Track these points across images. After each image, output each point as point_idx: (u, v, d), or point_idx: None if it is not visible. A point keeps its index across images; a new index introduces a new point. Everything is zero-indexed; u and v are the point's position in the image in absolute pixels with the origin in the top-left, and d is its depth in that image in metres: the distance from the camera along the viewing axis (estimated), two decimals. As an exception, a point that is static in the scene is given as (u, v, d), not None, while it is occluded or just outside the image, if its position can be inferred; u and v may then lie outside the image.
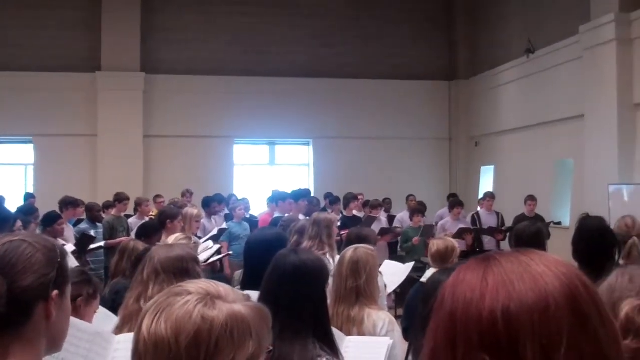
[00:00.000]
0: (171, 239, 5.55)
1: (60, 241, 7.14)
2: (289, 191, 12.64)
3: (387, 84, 17.49)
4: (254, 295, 2.84)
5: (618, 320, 1.81)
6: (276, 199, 12.06)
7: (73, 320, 2.30)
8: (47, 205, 10.68)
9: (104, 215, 11.13)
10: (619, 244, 4.37)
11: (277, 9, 17.30)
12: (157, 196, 13.09)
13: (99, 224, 10.57)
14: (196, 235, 8.28)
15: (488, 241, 11.87)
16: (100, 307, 3.67)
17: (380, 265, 4.74)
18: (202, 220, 9.85)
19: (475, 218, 12.39)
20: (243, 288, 3.94)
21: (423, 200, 14.06)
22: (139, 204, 11.61)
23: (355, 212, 12.42)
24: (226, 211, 12.47)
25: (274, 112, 16.93)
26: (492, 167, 16.87)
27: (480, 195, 14.13)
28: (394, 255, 11.60)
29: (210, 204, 11.82)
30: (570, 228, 10.26)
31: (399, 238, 11.98)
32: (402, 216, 12.99)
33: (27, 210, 10.29)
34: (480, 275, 1.09)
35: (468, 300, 1.07)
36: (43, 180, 16.19)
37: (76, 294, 3.20)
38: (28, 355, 1.69)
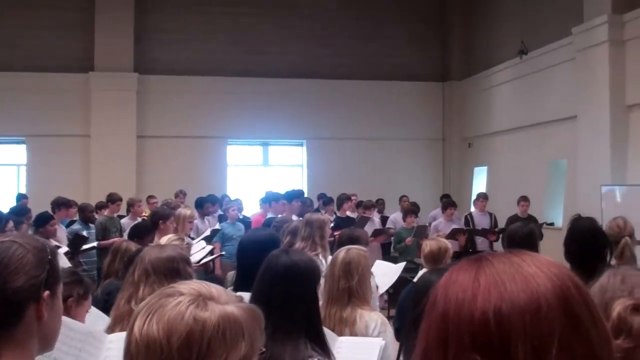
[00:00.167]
0: (164, 240, 5.54)
1: (53, 242, 7.12)
2: (282, 192, 12.64)
3: (381, 85, 17.51)
4: (247, 296, 2.84)
5: (610, 320, 1.81)
6: (269, 200, 12.07)
7: (65, 319, 2.30)
8: (39, 205, 10.66)
9: (96, 216, 11.11)
10: (611, 244, 4.38)
11: (270, 10, 17.29)
12: (150, 197, 13.08)
13: (91, 225, 10.55)
14: (189, 236, 8.27)
15: (481, 242, 11.89)
16: (92, 308, 3.66)
17: (372, 265, 4.74)
18: (195, 221, 9.84)
19: (469, 219, 12.41)
20: (236, 289, 3.94)
21: (416, 200, 14.08)
22: (131, 205, 11.59)
23: (348, 213, 12.44)
24: (220, 212, 12.47)
25: (268, 113, 16.93)
26: (485, 168, 16.90)
27: (474, 196, 14.15)
28: (387, 256, 11.61)
29: (204, 205, 11.81)
30: (562, 229, 10.27)
31: (392, 239, 11.99)
32: (395, 217, 13.00)
33: (20, 211, 10.28)
34: (472, 275, 1.09)
35: (460, 300, 1.06)
36: (35, 180, 16.15)
37: (67, 295, 3.19)
38: (20, 357, 1.68)
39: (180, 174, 15.95)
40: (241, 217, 11.90)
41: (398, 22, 17.83)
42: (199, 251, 7.40)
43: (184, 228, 7.79)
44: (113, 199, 11.28)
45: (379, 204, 14.39)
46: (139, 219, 10.51)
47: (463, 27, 17.96)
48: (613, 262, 4.35)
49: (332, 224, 9.49)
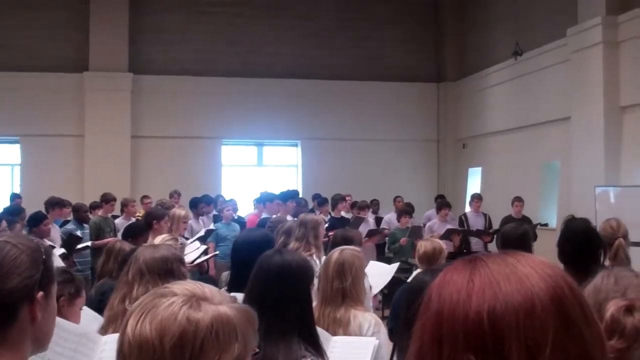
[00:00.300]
0: (157, 240, 5.55)
1: (47, 242, 7.11)
2: (277, 192, 12.63)
3: (375, 86, 17.51)
4: (241, 297, 2.84)
5: (603, 321, 1.82)
6: (264, 200, 12.05)
7: (59, 320, 2.29)
8: (33, 205, 10.62)
9: (90, 216, 11.09)
10: (604, 245, 4.38)
11: (265, 10, 17.29)
12: (144, 197, 13.08)
13: (85, 225, 10.53)
14: (183, 236, 8.27)
15: (475, 242, 11.91)
16: (87, 308, 3.65)
17: (365, 266, 4.74)
18: (190, 221, 9.84)
19: (463, 219, 12.43)
20: (230, 289, 3.93)
21: (411, 201, 14.09)
22: (124, 205, 11.57)
23: (343, 213, 12.45)
24: (215, 212, 12.46)
25: (262, 113, 16.92)
26: (479, 169, 16.92)
27: (468, 197, 14.16)
28: (381, 257, 11.63)
29: (198, 205, 11.79)
30: (556, 230, 10.29)
31: (387, 239, 12.00)
32: (390, 217, 13.02)
33: (14, 211, 10.26)
34: (466, 276, 1.09)
35: (454, 300, 1.07)
36: (30, 180, 16.11)
37: (59, 294, 3.17)
38: (14, 357, 1.68)
39: (175, 174, 15.94)
40: (236, 217, 11.89)
41: (393, 22, 17.84)
42: (192, 251, 7.40)
43: (178, 228, 7.79)
44: (107, 199, 11.25)
45: (374, 205, 14.41)
46: (133, 219, 10.50)
47: (457, 28, 17.98)
48: (607, 262, 4.36)
49: (326, 225, 9.50)
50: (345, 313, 3.81)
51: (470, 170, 17.35)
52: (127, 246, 5.52)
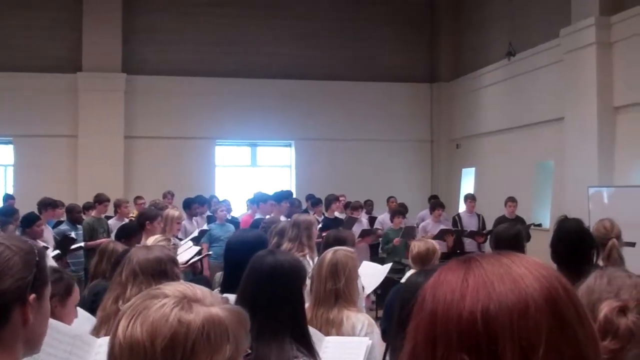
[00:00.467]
0: (150, 241, 5.54)
1: (41, 243, 7.08)
2: (271, 192, 12.62)
3: (369, 86, 17.52)
4: (233, 298, 2.83)
5: (597, 322, 1.82)
6: (257, 201, 12.04)
7: (53, 322, 2.28)
8: (27, 206, 10.60)
9: (84, 217, 11.07)
10: (597, 246, 4.39)
11: (259, 11, 17.27)
12: (138, 197, 13.04)
13: (79, 226, 10.52)
14: (177, 237, 8.26)
15: (469, 243, 11.92)
16: (80, 310, 3.64)
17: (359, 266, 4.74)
18: (184, 222, 9.83)
19: (457, 220, 12.44)
20: (223, 290, 3.93)
21: (404, 201, 14.11)
22: (118, 205, 11.56)
23: (336, 214, 12.46)
24: (209, 213, 12.45)
25: (256, 114, 16.92)
26: (473, 169, 16.94)
27: (462, 197, 14.17)
28: (375, 257, 11.62)
29: (192, 206, 11.79)
30: (550, 230, 10.31)
31: (380, 239, 12.00)
32: (383, 218, 13.03)
33: (7, 212, 10.24)
34: (460, 276, 1.09)
35: (448, 300, 1.07)
36: (23, 181, 16.06)
37: (51, 295, 3.16)
38: (6, 359, 1.67)
39: (168, 175, 15.92)
40: (230, 217, 11.88)
41: (386, 23, 17.85)
42: (186, 251, 7.40)
43: (172, 229, 7.79)
44: (100, 200, 11.24)
45: (367, 205, 14.42)
46: (126, 220, 10.48)
47: (451, 29, 18.00)
48: (600, 262, 4.36)
49: (320, 225, 9.50)
50: (338, 314, 3.81)
51: (464, 170, 17.37)
52: (120, 247, 5.51)
